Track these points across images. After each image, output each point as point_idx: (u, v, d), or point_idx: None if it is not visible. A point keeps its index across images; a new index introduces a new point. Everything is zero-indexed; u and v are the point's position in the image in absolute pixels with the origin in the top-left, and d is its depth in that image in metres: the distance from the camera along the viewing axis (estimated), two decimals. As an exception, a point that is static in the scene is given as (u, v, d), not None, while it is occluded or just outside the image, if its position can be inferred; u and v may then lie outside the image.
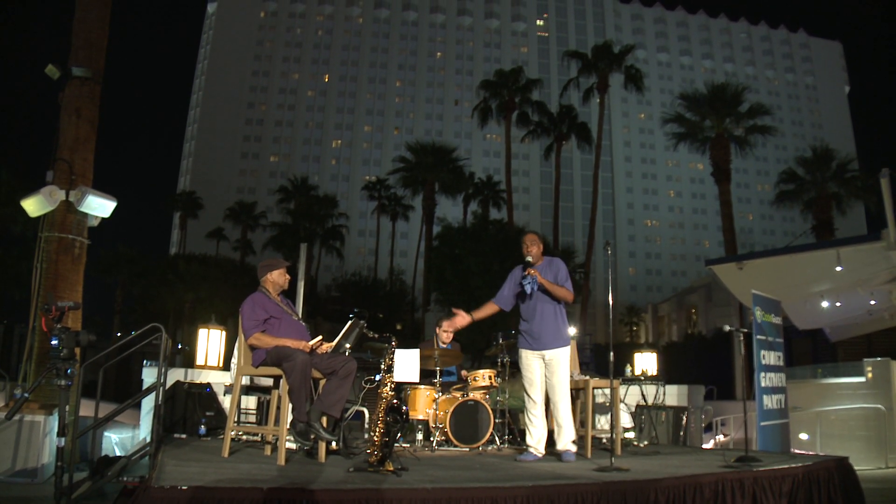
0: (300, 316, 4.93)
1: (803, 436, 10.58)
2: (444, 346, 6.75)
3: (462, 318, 5.18)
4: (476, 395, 5.99)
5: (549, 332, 5.06)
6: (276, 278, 4.81)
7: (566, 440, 5.02)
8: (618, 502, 3.54)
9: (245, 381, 6.35)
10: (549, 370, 5.07)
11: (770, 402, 7.86)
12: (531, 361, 5.12)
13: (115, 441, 7.24)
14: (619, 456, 5.16)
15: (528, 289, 4.99)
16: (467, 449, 5.69)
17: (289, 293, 5.04)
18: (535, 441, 5.05)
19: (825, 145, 28.51)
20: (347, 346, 5.29)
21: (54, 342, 3.88)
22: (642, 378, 7.97)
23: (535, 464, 4.77)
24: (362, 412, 5.68)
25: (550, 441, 5.27)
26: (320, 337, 4.69)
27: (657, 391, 7.78)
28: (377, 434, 4.17)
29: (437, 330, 6.90)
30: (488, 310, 5.28)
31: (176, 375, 7.04)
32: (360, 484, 3.37)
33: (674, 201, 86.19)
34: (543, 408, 5.12)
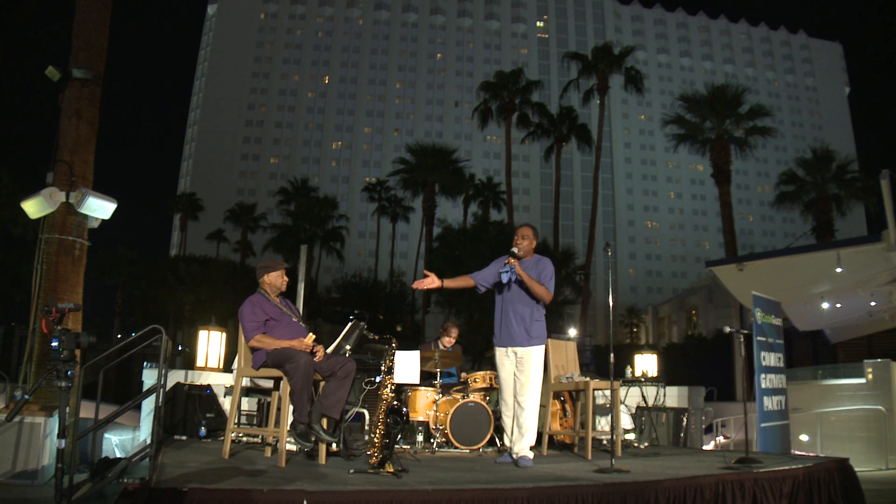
0: (300, 317, 4.92)
1: (804, 437, 10.57)
2: (445, 348, 6.76)
3: (431, 280, 4.89)
4: (476, 397, 5.99)
5: (521, 329, 4.92)
6: (274, 280, 4.80)
7: (525, 445, 4.84)
8: (618, 504, 3.54)
9: (245, 382, 6.36)
10: (517, 368, 4.93)
11: (770, 403, 7.86)
12: (502, 359, 4.99)
13: (116, 443, 7.23)
14: (620, 457, 5.16)
15: (504, 277, 4.92)
16: (468, 450, 5.69)
17: (289, 295, 5.03)
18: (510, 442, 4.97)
19: (825, 146, 28.55)
20: (347, 347, 5.29)
21: (54, 344, 3.87)
22: (642, 379, 7.97)
23: (535, 465, 4.74)
24: (363, 414, 5.68)
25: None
26: (320, 347, 4.65)
27: (657, 392, 7.78)
28: (377, 436, 4.17)
29: (443, 338, 6.88)
30: (462, 282, 5.13)
31: (176, 377, 7.04)
32: (361, 485, 3.37)
33: (674, 202, 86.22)
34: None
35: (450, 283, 5.05)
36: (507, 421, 4.98)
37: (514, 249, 4.95)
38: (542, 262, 5.07)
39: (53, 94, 6.86)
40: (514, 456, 4.85)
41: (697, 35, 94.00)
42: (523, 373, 4.90)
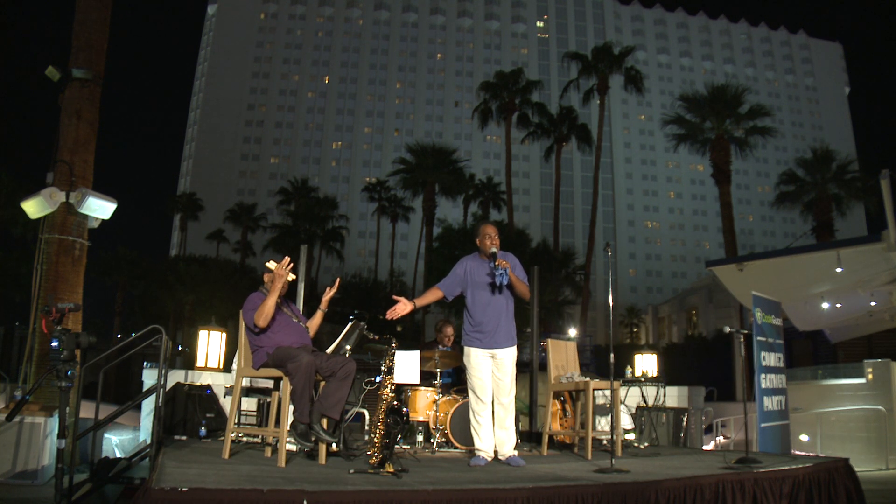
0: (301, 318, 4.92)
1: (804, 437, 10.58)
2: (445, 348, 6.76)
3: (404, 306, 4.79)
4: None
5: (502, 330, 4.91)
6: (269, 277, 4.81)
7: (512, 444, 4.91)
8: None
9: (245, 382, 6.35)
10: (499, 370, 4.91)
11: (770, 403, 7.86)
12: (481, 361, 4.92)
13: (116, 443, 7.24)
14: (620, 457, 5.15)
15: (498, 281, 4.79)
16: (468, 450, 5.69)
17: (289, 295, 5.03)
18: (486, 444, 4.91)
19: (825, 146, 28.50)
20: (348, 347, 5.29)
21: (54, 344, 3.88)
22: (643, 379, 7.97)
23: (535, 465, 4.75)
24: (363, 414, 5.68)
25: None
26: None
27: (657, 392, 7.78)
28: (377, 436, 4.17)
29: (437, 335, 6.90)
30: (432, 296, 5.07)
31: (176, 377, 7.04)
32: (361, 486, 3.37)
33: (674, 202, 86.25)
34: (492, 409, 4.98)
35: (421, 302, 5.02)
36: (483, 422, 4.91)
37: (494, 250, 4.85)
38: (510, 258, 5.00)
39: (53, 94, 6.87)
40: (503, 457, 4.88)
41: (697, 35, 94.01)
42: (507, 374, 4.91)
